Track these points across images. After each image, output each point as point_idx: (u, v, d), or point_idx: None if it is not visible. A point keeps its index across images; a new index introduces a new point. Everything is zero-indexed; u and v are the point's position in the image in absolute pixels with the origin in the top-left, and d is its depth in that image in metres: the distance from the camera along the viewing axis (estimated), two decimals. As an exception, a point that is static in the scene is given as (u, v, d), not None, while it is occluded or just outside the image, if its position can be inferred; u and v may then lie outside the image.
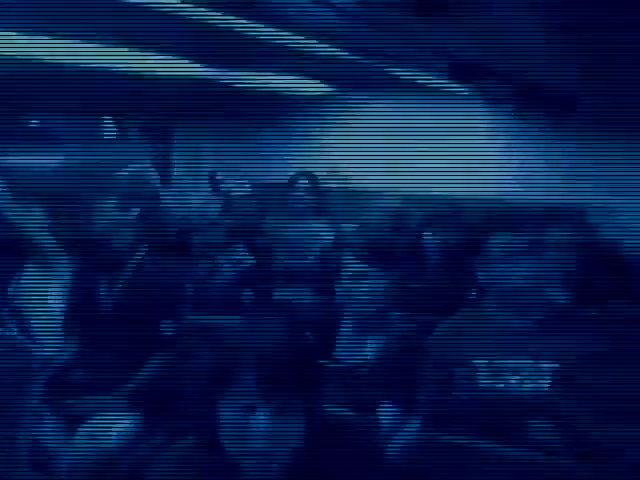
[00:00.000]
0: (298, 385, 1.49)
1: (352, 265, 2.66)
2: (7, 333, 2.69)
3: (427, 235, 3.67)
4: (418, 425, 2.30)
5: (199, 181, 4.27)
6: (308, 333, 1.64)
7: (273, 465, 1.51)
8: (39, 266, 3.44)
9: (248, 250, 4.01)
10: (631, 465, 2.09)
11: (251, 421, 1.47)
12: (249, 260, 3.96)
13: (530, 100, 4.08)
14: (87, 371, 3.08)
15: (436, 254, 3.63)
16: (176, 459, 1.66)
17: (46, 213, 3.58)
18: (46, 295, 3.42)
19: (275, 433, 1.47)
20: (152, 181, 3.47)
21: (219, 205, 4.04)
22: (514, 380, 2.37)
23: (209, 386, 1.55)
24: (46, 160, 4.81)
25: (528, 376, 2.36)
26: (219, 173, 4.24)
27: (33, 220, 3.40)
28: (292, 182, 5.05)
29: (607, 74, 2.94)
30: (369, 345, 2.66)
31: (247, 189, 4.14)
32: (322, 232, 4.86)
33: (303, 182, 4.97)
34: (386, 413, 2.51)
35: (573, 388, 2.29)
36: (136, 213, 3.08)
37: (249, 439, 1.47)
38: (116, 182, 3.12)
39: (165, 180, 5.67)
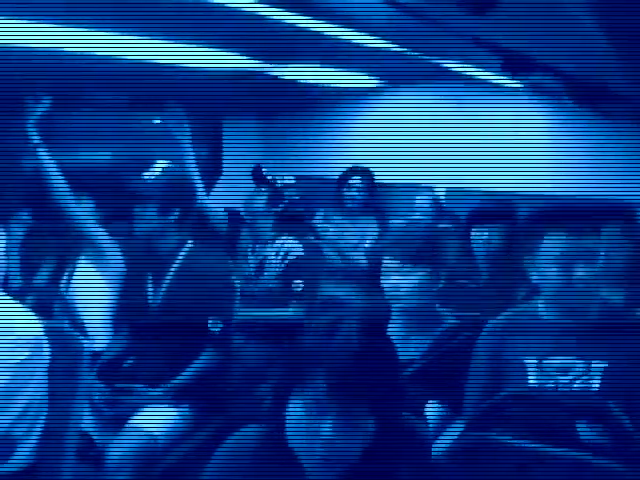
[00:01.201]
0: (370, 390, 1.49)
1: (398, 263, 2.64)
2: (58, 325, 2.72)
3: (475, 232, 3.63)
4: (465, 424, 2.27)
5: (246, 174, 4.28)
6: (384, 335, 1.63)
7: (337, 468, 1.52)
8: (92, 260, 3.50)
9: (296, 241, 4.02)
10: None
11: (320, 424, 1.47)
12: (298, 251, 3.96)
13: (585, 95, 4.02)
14: (136, 365, 3.10)
15: (484, 251, 3.59)
16: (234, 452, 1.67)
17: (95, 205, 3.63)
18: (98, 289, 3.47)
19: (342, 438, 1.47)
20: (189, 180, 3.48)
21: (265, 197, 4.05)
22: (564, 380, 2.34)
23: (280, 383, 1.55)
24: (96, 156, 4.87)
25: (579, 376, 2.32)
26: (264, 166, 4.25)
27: (84, 212, 3.46)
28: (345, 178, 5.05)
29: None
30: (417, 343, 2.64)
31: (291, 181, 4.14)
32: (371, 228, 4.86)
33: (356, 179, 4.97)
34: (433, 412, 2.50)
35: (623, 388, 2.25)
36: (177, 215, 3.08)
37: (316, 442, 1.47)
38: (152, 188, 3.13)
39: (215, 174, 5.71)
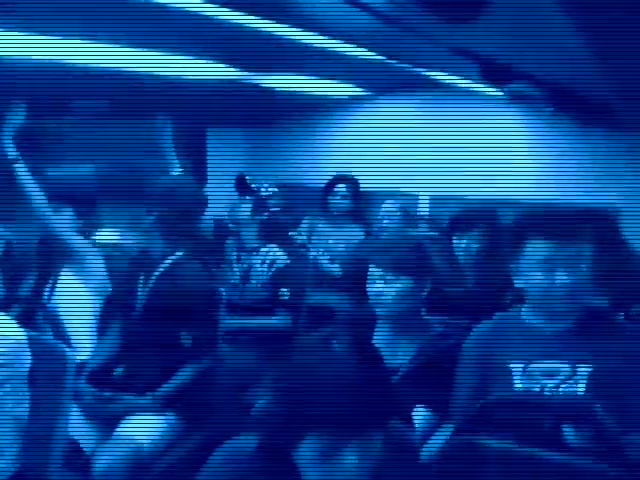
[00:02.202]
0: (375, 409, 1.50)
1: (381, 271, 2.66)
2: (42, 337, 2.72)
3: (456, 238, 3.65)
4: (452, 429, 2.29)
5: (231, 183, 4.28)
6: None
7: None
8: (75, 270, 3.49)
9: (282, 250, 4.02)
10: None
11: (338, 459, 1.47)
12: (283, 260, 3.97)
13: (565, 103, 4.06)
14: (123, 372, 3.10)
15: (467, 258, 3.62)
16: (225, 461, 1.67)
17: (75, 214, 3.62)
18: (81, 299, 3.47)
19: (363, 463, 1.48)
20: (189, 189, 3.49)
21: (249, 206, 4.06)
22: (550, 384, 2.36)
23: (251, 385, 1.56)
24: (76, 166, 4.86)
25: (565, 380, 2.35)
26: (247, 175, 4.26)
27: (63, 221, 3.46)
28: (331, 186, 5.07)
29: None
30: (404, 349, 2.66)
31: (275, 190, 4.15)
32: (358, 236, 4.88)
33: (342, 187, 4.98)
34: (420, 417, 2.51)
35: (608, 392, 2.28)
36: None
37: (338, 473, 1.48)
38: (154, 195, 3.14)
39: (200, 184, 5.71)
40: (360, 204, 5.08)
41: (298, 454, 1.52)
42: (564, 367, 2.35)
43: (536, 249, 2.36)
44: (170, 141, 4.16)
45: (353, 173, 5.34)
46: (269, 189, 4.11)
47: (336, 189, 5.06)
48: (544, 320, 2.43)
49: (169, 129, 4.18)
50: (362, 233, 4.96)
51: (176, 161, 4.13)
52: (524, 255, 2.39)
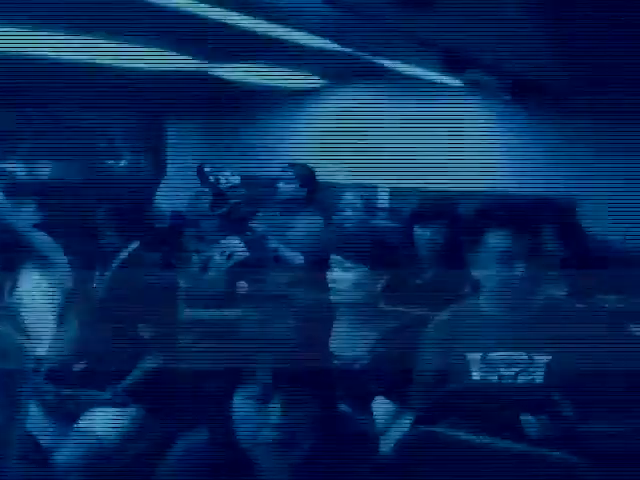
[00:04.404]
0: (310, 381, 1.51)
1: (340, 259, 2.66)
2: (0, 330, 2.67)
3: (417, 230, 3.66)
4: (411, 420, 2.29)
5: (190, 175, 4.25)
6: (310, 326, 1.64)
7: (286, 460, 1.53)
8: (36, 265, 3.45)
9: (241, 242, 4.01)
10: (625, 457, 2.10)
11: (264, 413, 1.49)
12: (242, 252, 3.95)
13: (523, 91, 4.08)
14: (83, 366, 3.07)
15: (427, 249, 3.63)
16: (187, 455, 1.66)
17: (36, 209, 3.58)
18: (41, 293, 3.42)
19: (286, 425, 1.49)
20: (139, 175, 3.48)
21: (209, 198, 4.03)
22: (508, 373, 2.38)
23: (224, 381, 1.56)
24: (37, 159, 4.80)
25: (523, 369, 2.36)
26: (207, 165, 4.21)
27: (24, 217, 3.41)
28: (281, 174, 5.01)
29: (603, 65, 2.95)
30: (363, 339, 2.66)
31: (236, 181, 4.12)
32: (316, 225, 4.84)
33: (289, 174, 4.93)
34: (380, 408, 2.52)
35: (566, 380, 2.30)
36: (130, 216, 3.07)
37: (262, 431, 1.49)
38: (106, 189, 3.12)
39: (159, 174, 5.67)
40: (312, 191, 5.00)
41: (234, 411, 1.54)
42: (522, 356, 2.37)
43: (493, 241, 2.37)
44: (121, 133, 4.13)
45: (314, 164, 5.31)
46: (229, 179, 4.08)
47: (284, 175, 4.99)
48: (501, 310, 2.45)
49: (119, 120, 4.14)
50: (320, 221, 4.91)
51: (124, 153, 4.09)
52: (482, 247, 2.40)
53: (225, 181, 4.08)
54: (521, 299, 2.43)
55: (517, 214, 2.42)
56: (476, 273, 2.46)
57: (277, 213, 4.96)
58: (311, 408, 1.53)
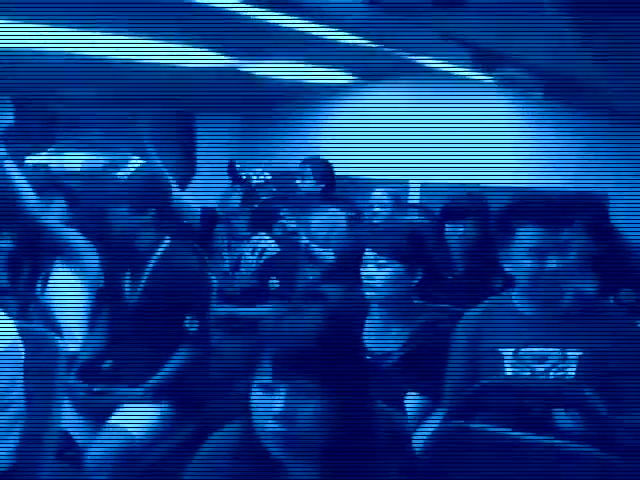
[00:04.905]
0: (330, 372, 1.51)
1: (375, 255, 2.67)
2: (34, 328, 2.71)
3: (449, 226, 3.66)
4: (444, 415, 2.30)
5: (221, 172, 4.26)
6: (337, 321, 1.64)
7: (302, 451, 1.53)
8: (68, 262, 3.49)
9: (272, 238, 4.02)
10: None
11: (271, 401, 1.49)
12: (274, 249, 3.97)
13: (554, 87, 4.06)
14: (114, 364, 3.10)
15: (459, 245, 3.62)
16: (215, 451, 1.68)
17: (67, 205, 3.61)
18: (73, 291, 3.46)
19: (293, 415, 1.49)
20: (163, 179, 3.49)
21: (240, 195, 4.04)
22: (540, 368, 2.37)
23: (242, 373, 1.57)
24: (65, 156, 4.85)
25: (555, 364, 2.36)
26: (238, 162, 4.22)
27: (54, 216, 3.44)
28: (301, 169, 4.98)
29: (631, 64, 2.92)
30: (396, 335, 2.66)
31: (267, 177, 4.13)
32: (339, 221, 4.82)
33: (306, 170, 4.89)
34: (413, 403, 2.53)
35: (598, 376, 2.29)
36: (152, 213, 3.09)
37: (269, 420, 1.50)
38: (125, 187, 3.14)
39: (189, 172, 5.70)
40: (330, 186, 4.95)
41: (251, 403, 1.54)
42: (554, 352, 2.37)
43: (525, 236, 2.37)
44: (151, 129, 4.15)
45: (344, 160, 5.31)
46: (260, 177, 4.09)
47: (301, 171, 4.94)
48: (534, 306, 2.44)
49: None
50: (342, 217, 4.87)
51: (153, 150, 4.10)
52: (514, 242, 2.40)
53: (256, 178, 4.10)
54: (552, 295, 2.43)
55: (547, 209, 2.41)
56: (508, 268, 2.46)
57: (300, 209, 4.93)
58: (343, 403, 1.53)
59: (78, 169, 4.80)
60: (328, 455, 1.55)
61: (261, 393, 1.52)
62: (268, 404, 1.50)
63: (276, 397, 1.49)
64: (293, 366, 1.49)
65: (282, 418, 1.48)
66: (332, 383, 1.51)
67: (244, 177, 4.07)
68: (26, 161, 3.46)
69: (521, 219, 2.39)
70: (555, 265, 2.34)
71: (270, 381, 1.50)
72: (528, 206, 2.43)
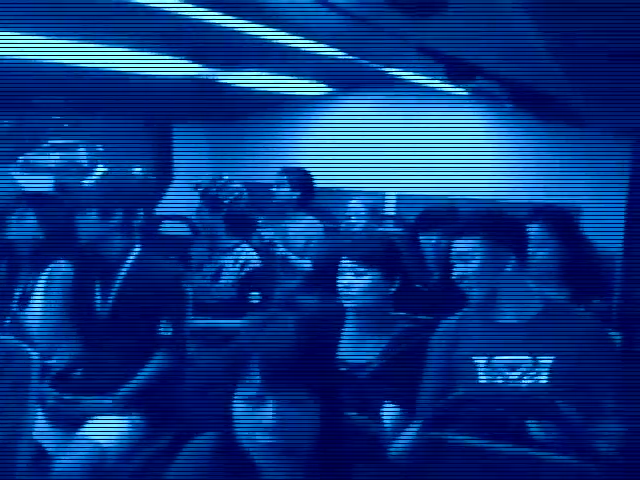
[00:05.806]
0: (306, 381, 1.51)
1: (352, 263, 2.68)
2: (6, 338, 2.69)
3: (423, 236, 3.67)
4: (420, 425, 2.30)
5: (198, 181, 4.24)
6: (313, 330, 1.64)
7: (286, 461, 1.53)
8: (38, 272, 3.45)
9: (255, 251, 4.00)
10: (629, 461, 2.12)
11: (261, 413, 1.49)
12: (256, 261, 3.94)
13: (524, 99, 4.09)
14: (86, 374, 3.08)
15: (433, 255, 3.64)
16: (191, 460, 1.67)
17: (36, 217, 3.58)
18: (44, 301, 3.42)
19: (283, 425, 1.48)
20: (131, 183, 3.47)
21: (208, 205, 4.01)
22: (513, 376, 2.39)
23: (222, 383, 1.57)
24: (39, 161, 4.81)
25: (527, 372, 2.38)
26: (209, 175, 4.19)
27: (28, 224, 3.41)
28: (277, 177, 4.97)
29: (601, 76, 2.96)
30: (372, 346, 2.67)
31: (242, 189, 4.11)
32: (316, 230, 4.81)
33: (282, 178, 4.88)
34: (389, 414, 2.53)
35: (570, 383, 2.32)
36: (120, 218, 3.08)
37: (259, 431, 1.49)
38: (92, 192, 3.13)
39: (166, 181, 5.68)
40: (306, 194, 4.94)
41: (234, 413, 1.54)
42: (526, 359, 2.39)
43: (475, 246, 2.43)
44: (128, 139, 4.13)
45: (320, 171, 5.32)
46: (217, 183, 4.05)
47: (277, 179, 4.93)
48: (504, 313, 2.47)
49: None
50: (319, 226, 4.86)
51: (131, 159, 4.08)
52: (471, 253, 2.45)
53: (213, 184, 4.05)
54: (520, 302, 2.45)
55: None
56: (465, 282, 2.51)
57: (276, 218, 4.92)
58: (319, 413, 1.53)
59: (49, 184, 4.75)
60: (310, 463, 1.56)
61: (245, 405, 1.52)
62: (255, 416, 1.50)
63: (264, 409, 1.49)
64: (277, 377, 1.49)
65: (272, 429, 1.48)
66: (311, 393, 1.52)
67: (201, 186, 4.03)
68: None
69: (475, 231, 2.45)
70: (514, 276, 2.39)
71: (256, 393, 1.50)
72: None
